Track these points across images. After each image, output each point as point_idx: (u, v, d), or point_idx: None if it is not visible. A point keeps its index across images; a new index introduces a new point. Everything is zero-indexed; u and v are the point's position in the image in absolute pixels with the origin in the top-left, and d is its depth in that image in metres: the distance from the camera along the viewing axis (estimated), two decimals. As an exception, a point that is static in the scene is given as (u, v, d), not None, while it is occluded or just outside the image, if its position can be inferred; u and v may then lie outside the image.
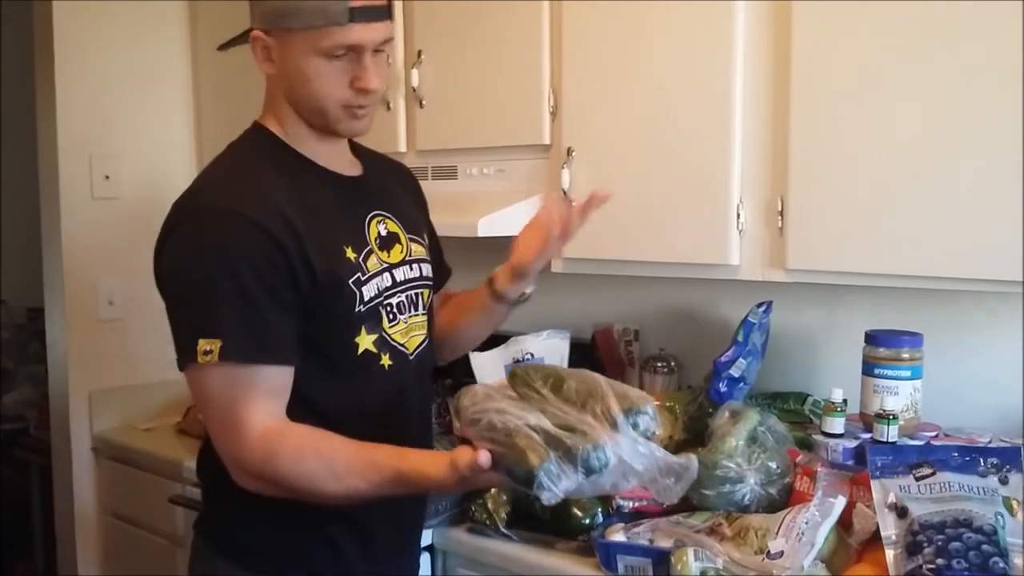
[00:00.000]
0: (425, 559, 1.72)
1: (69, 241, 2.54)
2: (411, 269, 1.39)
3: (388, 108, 2.19)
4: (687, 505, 1.59)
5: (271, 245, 1.21)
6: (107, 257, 2.59)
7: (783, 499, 1.54)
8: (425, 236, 1.48)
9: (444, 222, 1.69)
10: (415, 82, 2.12)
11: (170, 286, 1.26)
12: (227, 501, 1.33)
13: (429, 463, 1.16)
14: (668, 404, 1.93)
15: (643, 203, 1.80)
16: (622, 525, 1.56)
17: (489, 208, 1.91)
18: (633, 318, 2.23)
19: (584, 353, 2.14)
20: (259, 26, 1.27)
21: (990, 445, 1.51)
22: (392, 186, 1.47)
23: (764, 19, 1.64)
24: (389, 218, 1.39)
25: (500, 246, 2.22)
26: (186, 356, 1.21)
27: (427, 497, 1.55)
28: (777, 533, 1.38)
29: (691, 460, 1.09)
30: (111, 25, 2.62)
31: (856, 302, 1.86)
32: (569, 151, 1.88)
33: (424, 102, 2.13)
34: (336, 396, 1.30)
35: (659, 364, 2.11)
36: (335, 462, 1.19)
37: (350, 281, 1.28)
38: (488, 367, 2.03)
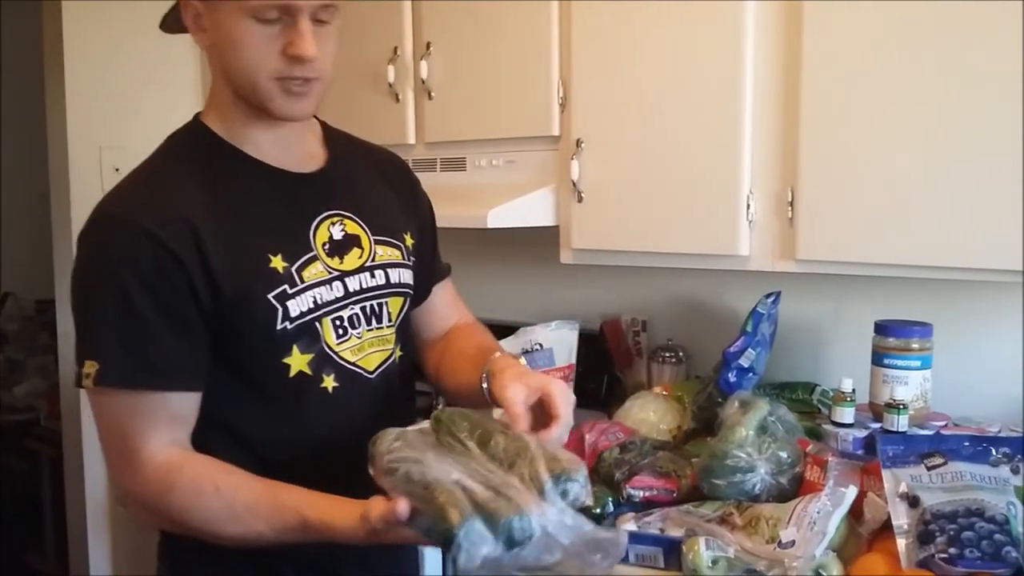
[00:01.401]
0: (436, 551, 1.73)
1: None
2: (372, 276, 1.22)
3: (397, 100, 2.19)
4: (698, 495, 1.60)
5: (165, 256, 1.08)
6: (116, 249, 2.60)
7: (793, 489, 1.54)
8: (406, 237, 1.30)
9: (453, 214, 1.70)
10: (424, 74, 2.12)
11: (72, 295, 1.14)
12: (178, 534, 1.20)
13: (338, 512, 1.03)
14: (677, 394, 1.94)
15: (652, 194, 1.80)
16: (633, 514, 1.56)
17: (499, 200, 1.91)
18: (641, 308, 2.24)
19: (592, 344, 2.15)
20: None
21: (1000, 435, 1.51)
22: (364, 180, 1.30)
23: (775, 9, 1.63)
24: (349, 218, 1.22)
25: (510, 238, 2.23)
26: (76, 377, 1.10)
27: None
28: (788, 522, 1.39)
29: (619, 535, 1.01)
30: (120, 17, 2.61)
31: (865, 292, 1.87)
32: (578, 142, 1.88)
33: (433, 94, 2.13)
34: (267, 425, 1.16)
35: (667, 354, 2.12)
36: (235, 501, 1.07)
37: (270, 295, 1.13)
38: (498, 358, 2.04)
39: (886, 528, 1.38)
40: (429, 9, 2.13)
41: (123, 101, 2.62)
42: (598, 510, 1.61)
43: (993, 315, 1.75)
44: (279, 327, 1.13)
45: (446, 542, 0.93)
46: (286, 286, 1.14)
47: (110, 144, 2.59)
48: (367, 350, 1.22)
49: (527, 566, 0.97)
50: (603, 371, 2.17)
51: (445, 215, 1.65)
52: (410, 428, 1.08)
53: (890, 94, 1.51)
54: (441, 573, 1.74)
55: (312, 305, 1.15)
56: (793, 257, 1.65)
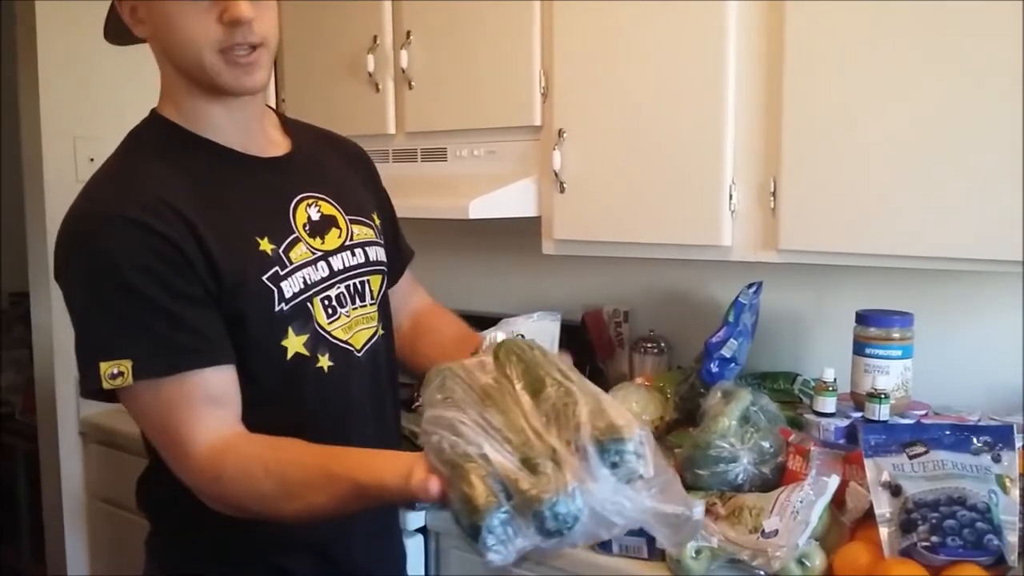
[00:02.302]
0: (418, 541, 1.72)
1: (53, 224, 2.49)
2: (353, 255, 1.23)
3: (377, 90, 2.17)
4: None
5: (157, 240, 1.06)
6: (92, 241, 2.57)
7: (776, 478, 1.55)
8: (375, 217, 1.32)
9: (435, 204, 1.68)
10: (404, 63, 2.10)
11: (68, 304, 1.10)
12: (174, 529, 1.22)
13: (390, 471, 0.97)
14: (659, 385, 1.94)
15: (635, 184, 1.79)
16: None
17: (480, 190, 1.90)
18: (623, 299, 2.24)
19: (574, 335, 2.14)
20: None
21: (981, 423, 1.52)
22: (329, 163, 1.31)
23: (757, 2, 1.63)
24: (323, 199, 1.23)
25: (491, 229, 2.22)
26: (89, 383, 1.06)
27: (396, 516, 1.42)
28: (771, 512, 1.39)
29: (691, 504, 0.86)
30: (94, 5, 2.57)
31: (846, 282, 1.87)
32: (560, 132, 1.87)
33: (413, 83, 2.11)
34: (262, 413, 1.12)
35: (649, 345, 2.12)
36: (287, 479, 1.04)
37: (264, 277, 1.13)
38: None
39: (868, 517, 1.38)
40: (409, -2, 2.11)
41: (97, 91, 2.58)
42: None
43: (974, 304, 1.76)
44: (276, 308, 1.13)
45: (473, 535, 0.83)
46: (277, 268, 1.14)
47: (84, 135, 2.55)
48: (355, 328, 1.22)
49: (579, 543, 0.84)
50: (585, 362, 2.16)
51: (426, 205, 1.64)
52: (467, 362, 0.99)
53: (872, 85, 1.51)
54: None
55: (303, 285, 1.16)
56: (775, 247, 1.65)
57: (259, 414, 1.12)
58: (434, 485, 0.89)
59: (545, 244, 1.97)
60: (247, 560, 1.19)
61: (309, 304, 1.17)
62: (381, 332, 1.28)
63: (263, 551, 1.18)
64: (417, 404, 1.00)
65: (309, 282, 1.17)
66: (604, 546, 1.48)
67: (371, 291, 1.26)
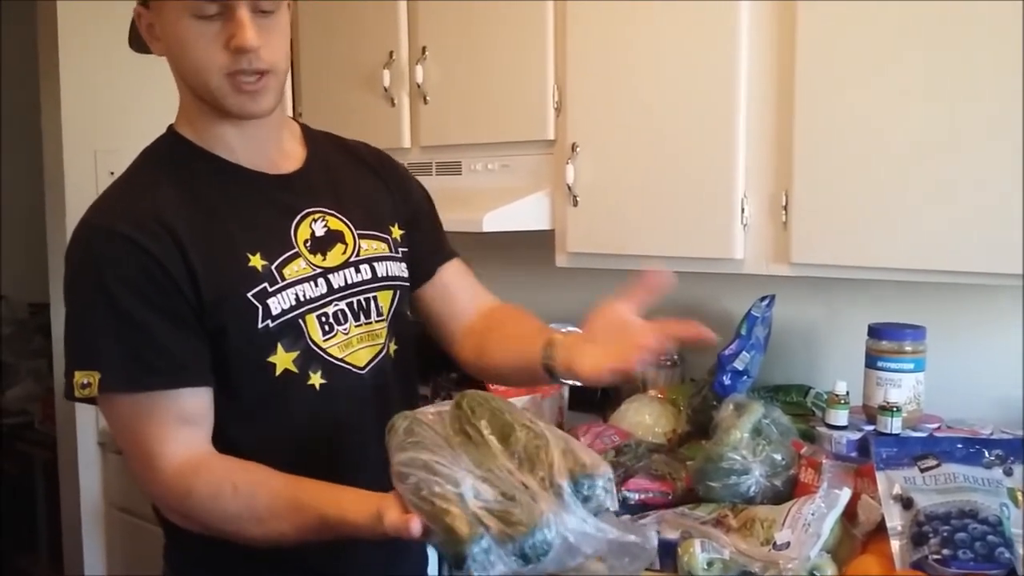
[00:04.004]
0: (432, 554, 1.73)
1: (73, 236, 2.55)
2: (357, 272, 1.21)
3: (393, 104, 2.20)
4: (693, 497, 1.60)
5: (145, 257, 1.08)
6: (111, 252, 2.60)
7: (788, 491, 1.55)
8: (393, 228, 1.28)
9: (449, 218, 1.68)
10: (419, 78, 2.13)
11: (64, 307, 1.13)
12: (189, 542, 1.18)
13: (356, 507, 1.00)
14: (672, 397, 1.95)
15: (647, 197, 1.80)
16: (629, 517, 1.57)
17: (494, 203, 1.92)
18: (637, 312, 2.24)
19: (588, 347, 2.15)
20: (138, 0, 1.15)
21: (993, 437, 1.52)
22: (345, 175, 1.29)
23: (768, 13, 1.65)
24: (331, 214, 1.21)
25: (505, 242, 2.24)
26: (66, 389, 1.09)
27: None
28: (783, 524, 1.39)
29: (648, 537, 0.95)
30: (116, 19, 2.60)
31: (858, 295, 1.88)
32: (574, 146, 1.89)
33: (428, 98, 2.13)
34: (254, 428, 1.14)
35: (662, 358, 2.12)
36: (254, 502, 1.06)
37: (249, 294, 1.12)
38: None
39: (880, 530, 1.38)
40: (425, 13, 2.14)
41: (118, 105, 2.62)
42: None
43: (986, 318, 1.76)
44: (260, 325, 1.12)
45: (458, 563, 0.89)
46: (266, 284, 1.13)
47: (105, 148, 2.58)
48: (355, 346, 1.20)
49: (550, 571, 0.91)
50: (598, 374, 2.17)
51: (441, 219, 1.66)
52: (428, 410, 1.04)
53: (882, 99, 1.52)
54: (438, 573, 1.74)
55: (295, 302, 1.14)
56: (787, 260, 1.66)
57: (245, 429, 1.13)
58: (415, 524, 0.91)
59: (559, 257, 1.98)
60: (249, 567, 1.16)
61: (301, 321, 1.15)
62: (392, 348, 1.25)
63: (264, 559, 1.14)
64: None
65: (303, 299, 1.15)
66: (616, 557, 1.48)
67: (378, 308, 1.23)
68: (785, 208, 1.64)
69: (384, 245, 1.26)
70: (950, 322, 1.76)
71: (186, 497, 1.08)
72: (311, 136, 1.30)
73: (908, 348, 1.63)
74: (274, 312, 1.13)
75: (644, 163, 1.80)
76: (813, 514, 1.38)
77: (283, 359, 1.14)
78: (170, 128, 1.23)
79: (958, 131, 1.46)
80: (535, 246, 2.10)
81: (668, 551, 1.42)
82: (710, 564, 1.38)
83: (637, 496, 1.64)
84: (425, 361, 1.52)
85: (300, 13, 2.41)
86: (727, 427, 1.60)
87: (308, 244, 1.18)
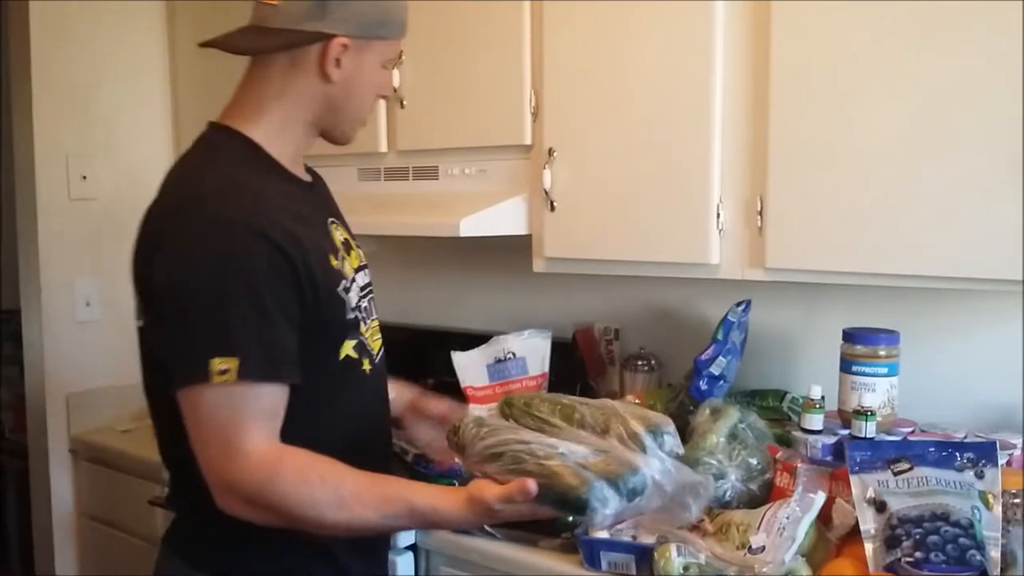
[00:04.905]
0: (408, 559, 1.73)
1: (46, 242, 2.52)
2: (366, 275, 1.37)
3: (369, 108, 2.19)
4: (669, 502, 1.60)
5: (280, 257, 1.16)
6: (84, 258, 2.58)
7: (764, 495, 1.56)
8: None
9: (426, 222, 1.70)
10: (396, 82, 2.12)
11: (174, 295, 1.16)
12: (203, 514, 1.23)
13: (442, 498, 1.17)
14: (649, 402, 1.95)
15: (624, 203, 1.81)
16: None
17: (471, 208, 1.91)
18: (614, 317, 2.25)
19: (565, 352, 2.16)
20: (346, 31, 1.23)
21: (965, 440, 1.53)
22: (329, 196, 1.45)
23: (743, 18, 1.66)
24: (340, 225, 1.36)
25: (482, 247, 2.24)
26: (195, 375, 1.12)
27: None
28: (758, 528, 1.40)
29: (708, 478, 1.17)
30: (88, 24, 2.60)
31: (834, 300, 1.89)
32: (550, 151, 1.89)
33: (405, 102, 2.13)
34: (314, 412, 1.24)
35: (639, 362, 2.13)
36: (341, 489, 1.15)
37: (338, 289, 1.25)
38: (471, 366, 2.04)
39: (854, 533, 1.39)
40: (401, 18, 2.13)
41: (91, 110, 2.60)
42: (570, 518, 1.62)
43: (960, 322, 1.77)
44: (347, 316, 1.26)
45: (579, 507, 1.06)
46: (345, 281, 1.27)
47: (77, 152, 2.57)
48: (374, 337, 1.36)
49: (640, 513, 1.13)
50: (576, 380, 2.17)
51: (417, 223, 1.66)
52: (484, 415, 1.21)
53: (859, 104, 1.53)
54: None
55: (356, 296, 1.29)
56: (762, 265, 1.67)
57: (311, 413, 1.22)
58: (531, 484, 1.08)
59: (536, 262, 1.98)
60: (278, 540, 1.23)
61: (359, 312, 1.30)
62: (383, 345, 1.41)
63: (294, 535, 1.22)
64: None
65: (357, 293, 1.30)
66: (593, 563, 1.48)
67: (376, 308, 1.40)
68: (760, 213, 1.65)
69: (364, 254, 1.40)
70: (924, 326, 1.78)
71: (269, 482, 1.14)
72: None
73: (882, 353, 1.64)
74: (352, 305, 1.27)
75: (621, 169, 1.81)
76: (788, 518, 1.39)
77: (347, 347, 1.27)
78: (232, 131, 1.27)
79: (931, 138, 1.47)
80: (512, 251, 2.10)
81: (645, 556, 1.42)
82: (686, 568, 1.38)
83: (614, 501, 1.64)
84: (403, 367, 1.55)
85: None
86: (703, 432, 1.61)
87: (343, 247, 1.31)
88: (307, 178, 1.37)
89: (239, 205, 1.17)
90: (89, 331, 2.61)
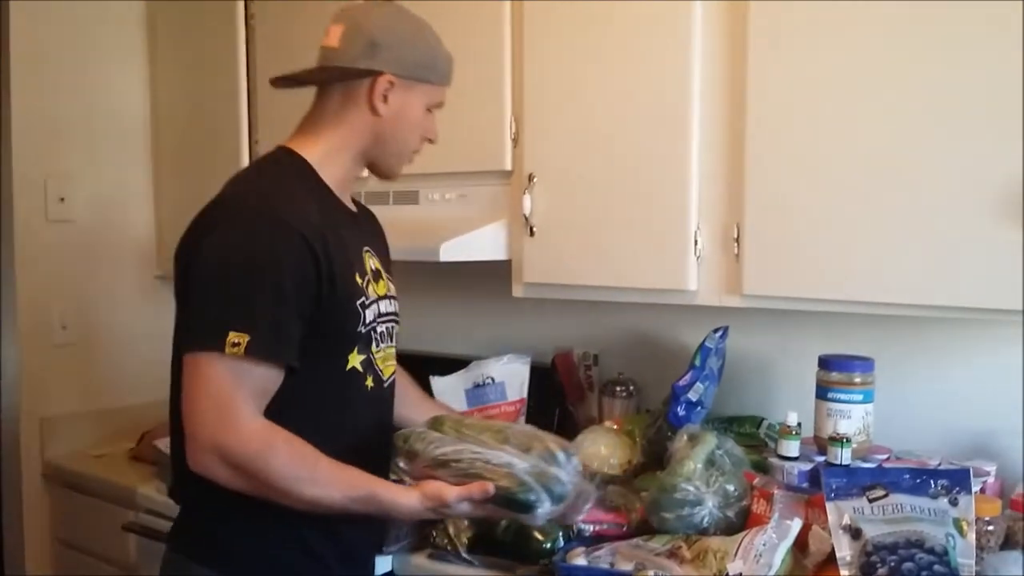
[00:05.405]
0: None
1: (22, 264, 2.50)
2: (390, 304, 1.51)
3: (350, 133, 2.19)
4: (648, 528, 1.61)
5: (310, 258, 1.32)
6: (61, 281, 2.56)
7: (741, 521, 1.56)
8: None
9: (406, 247, 1.70)
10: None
11: (207, 274, 1.31)
12: (206, 507, 1.40)
13: (401, 493, 1.33)
14: (627, 428, 1.95)
15: (603, 229, 1.82)
16: (583, 549, 1.56)
17: (451, 233, 1.92)
18: (593, 343, 2.26)
19: (544, 377, 2.16)
20: (393, 71, 1.41)
21: (940, 467, 1.55)
22: (373, 228, 1.62)
23: (720, 49, 1.68)
24: (374, 255, 1.51)
25: (462, 272, 2.24)
26: (209, 342, 1.26)
27: None
28: (736, 555, 1.40)
29: (593, 487, 1.43)
30: (67, 46, 2.59)
31: (810, 327, 1.90)
32: (530, 177, 1.90)
33: (386, 127, 2.13)
34: (302, 413, 1.35)
35: (618, 388, 2.13)
36: (318, 468, 1.30)
37: (357, 303, 1.40)
38: (449, 391, 2.04)
39: (830, 560, 1.39)
40: (383, 44, 2.14)
41: (69, 131, 2.59)
42: (548, 545, 1.61)
43: (934, 349, 1.79)
44: (359, 329, 1.40)
45: (526, 508, 1.30)
46: (364, 298, 1.41)
47: (55, 173, 2.55)
48: (387, 361, 1.50)
49: (557, 514, 1.35)
50: (555, 405, 2.17)
51: (398, 248, 1.66)
52: (421, 430, 1.41)
53: (832, 135, 1.55)
54: None
55: (374, 317, 1.43)
56: (739, 292, 1.68)
57: (300, 413, 1.34)
58: (490, 486, 1.29)
59: (515, 287, 1.99)
60: (277, 534, 1.39)
61: (373, 332, 1.43)
62: (395, 371, 1.54)
63: (290, 526, 1.38)
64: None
65: (376, 316, 1.44)
66: (570, 590, 1.48)
67: (394, 336, 1.53)
68: (737, 240, 1.66)
69: (394, 289, 1.56)
70: (899, 354, 1.80)
71: (267, 450, 1.27)
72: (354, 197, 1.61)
73: (857, 380, 1.65)
74: (367, 320, 1.41)
75: (600, 195, 1.82)
76: (764, 545, 1.39)
77: (354, 359, 1.41)
78: (291, 151, 1.45)
79: (905, 167, 1.49)
80: (492, 276, 2.11)
81: (622, 583, 1.42)
82: (663, 596, 1.38)
83: (592, 527, 1.64)
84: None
85: (258, 40, 2.41)
86: (681, 458, 1.61)
87: (372, 273, 1.46)
88: (352, 208, 1.52)
89: (279, 204, 1.34)
90: (65, 354, 2.58)
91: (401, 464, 1.37)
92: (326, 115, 1.45)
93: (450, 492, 1.30)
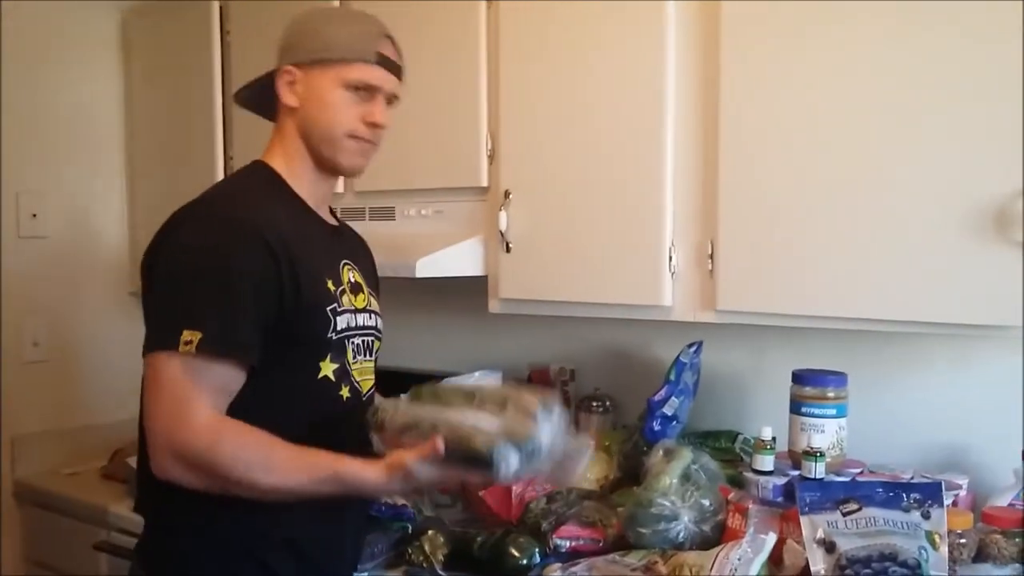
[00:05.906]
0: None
1: (-4, 280, 2.48)
2: (370, 318, 1.50)
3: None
4: (624, 543, 1.61)
5: (269, 258, 1.31)
6: (33, 297, 2.53)
7: (716, 536, 1.56)
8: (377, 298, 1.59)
9: (382, 263, 1.70)
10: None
11: (165, 274, 1.32)
12: (166, 522, 1.39)
13: (365, 466, 1.27)
14: (604, 443, 1.95)
15: (579, 245, 1.83)
16: (559, 565, 1.56)
17: (427, 249, 1.92)
18: (569, 358, 2.26)
19: (521, 393, 2.16)
20: (290, 61, 1.43)
21: (912, 481, 1.56)
22: (358, 247, 1.62)
23: (694, 67, 1.70)
24: (355, 269, 1.51)
25: (438, 288, 2.24)
26: (165, 342, 1.26)
27: (366, 519, 1.62)
28: (711, 569, 1.40)
29: (586, 442, 1.38)
30: (41, 62, 2.58)
31: (784, 342, 1.92)
32: (507, 193, 1.91)
33: (362, 144, 2.13)
34: (272, 416, 1.32)
35: (595, 404, 2.14)
36: (274, 454, 1.28)
37: (327, 308, 1.39)
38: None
39: (805, 574, 1.40)
40: (359, 61, 2.14)
41: (42, 147, 2.57)
42: (524, 561, 1.61)
43: (905, 364, 1.81)
44: (328, 334, 1.38)
45: (486, 463, 1.21)
46: (335, 304, 1.40)
47: (28, 189, 2.53)
48: (365, 375, 1.48)
49: (538, 473, 1.31)
50: (531, 421, 2.17)
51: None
52: (392, 400, 1.37)
53: (806, 151, 1.57)
54: None
55: (347, 326, 1.42)
56: (714, 308, 1.69)
57: (270, 416, 1.31)
58: (439, 442, 1.22)
59: (491, 303, 1.99)
60: (235, 556, 1.36)
61: (347, 341, 1.42)
62: (374, 387, 1.52)
63: (250, 547, 1.36)
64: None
65: (350, 325, 1.43)
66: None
67: (373, 351, 1.52)
68: (711, 257, 1.68)
69: (377, 304, 1.56)
70: (872, 368, 1.81)
71: (216, 443, 1.26)
72: (335, 213, 1.63)
73: (831, 394, 1.66)
74: (338, 328, 1.40)
75: (576, 211, 1.83)
76: (740, 559, 1.39)
77: (327, 367, 1.39)
78: (262, 163, 1.47)
79: (875, 183, 1.51)
80: (468, 292, 2.11)
81: (598, 599, 1.42)
82: (639, 611, 1.38)
83: (568, 543, 1.63)
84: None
85: (233, 55, 2.41)
86: (656, 473, 1.61)
87: (349, 285, 1.46)
88: (333, 222, 1.54)
89: (240, 207, 1.35)
90: (37, 372, 2.55)
91: (374, 438, 1.34)
92: (275, 127, 1.49)
93: (407, 456, 1.24)
